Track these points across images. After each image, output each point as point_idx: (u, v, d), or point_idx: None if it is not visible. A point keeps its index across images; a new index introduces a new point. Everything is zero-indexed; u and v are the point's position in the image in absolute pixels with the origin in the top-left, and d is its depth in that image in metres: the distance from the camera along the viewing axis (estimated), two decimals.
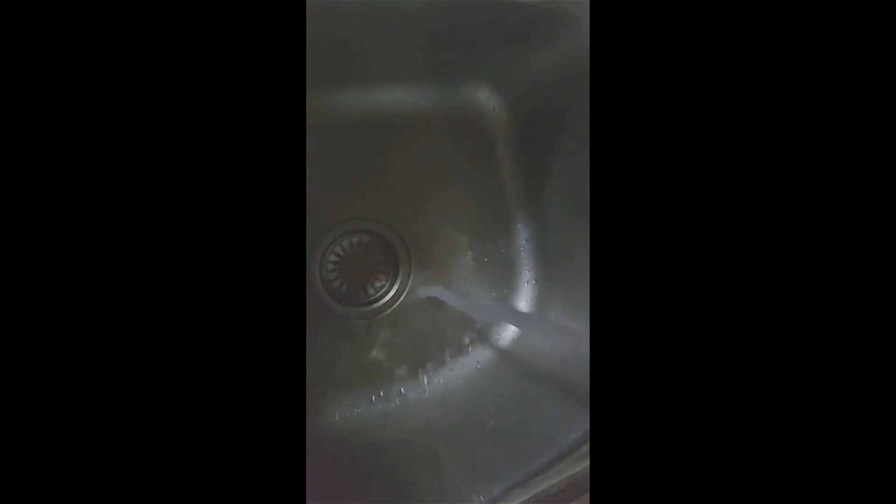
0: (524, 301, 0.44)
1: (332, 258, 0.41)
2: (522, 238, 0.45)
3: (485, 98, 0.43)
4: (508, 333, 0.43)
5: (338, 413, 0.39)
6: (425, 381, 0.41)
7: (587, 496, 0.29)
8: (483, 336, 0.43)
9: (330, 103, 0.41)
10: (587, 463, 0.31)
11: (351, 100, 0.41)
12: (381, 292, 0.42)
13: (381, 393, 0.40)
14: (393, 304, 0.42)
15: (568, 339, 0.35)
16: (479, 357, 0.42)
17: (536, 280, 0.44)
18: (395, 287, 0.42)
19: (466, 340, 0.42)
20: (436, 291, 0.41)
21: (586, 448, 0.31)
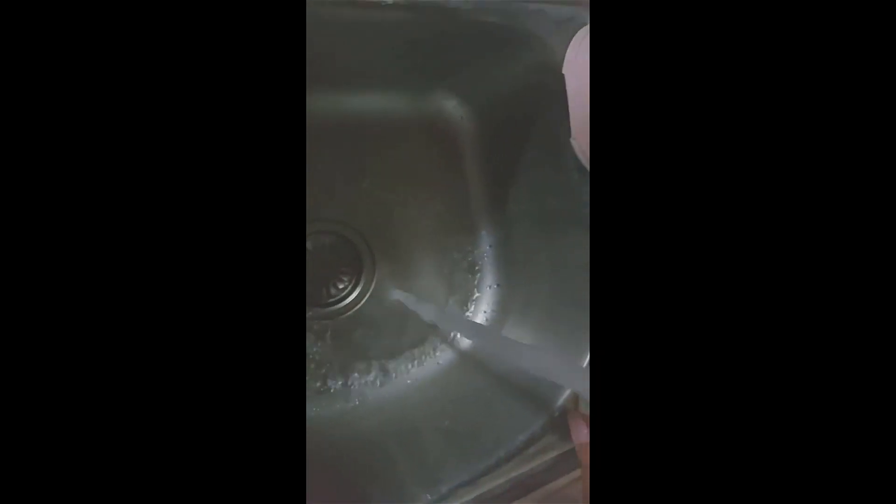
0: (486, 304, 0.45)
1: None
2: (486, 244, 0.46)
3: (453, 107, 0.44)
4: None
5: None
6: (384, 383, 0.41)
7: (532, 496, 0.31)
8: (443, 339, 0.44)
9: None
10: (533, 464, 0.32)
11: (321, 103, 0.42)
12: (343, 293, 0.42)
13: (340, 393, 0.40)
14: (355, 306, 0.42)
15: (523, 354, 0.35)
16: (438, 360, 0.43)
17: (499, 285, 0.46)
18: (358, 289, 0.43)
19: (427, 343, 0.43)
20: (401, 296, 0.42)
21: (533, 450, 0.32)
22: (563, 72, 0.31)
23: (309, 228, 0.42)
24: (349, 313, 0.42)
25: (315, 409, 0.39)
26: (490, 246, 0.46)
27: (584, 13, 0.31)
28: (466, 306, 0.45)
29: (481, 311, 0.45)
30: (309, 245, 0.42)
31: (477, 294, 0.46)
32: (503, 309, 0.45)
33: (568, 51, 0.31)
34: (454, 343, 0.44)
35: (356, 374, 0.41)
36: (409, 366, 0.42)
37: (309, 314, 0.41)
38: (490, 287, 0.46)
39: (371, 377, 0.41)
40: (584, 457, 0.30)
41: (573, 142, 0.32)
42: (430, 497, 0.30)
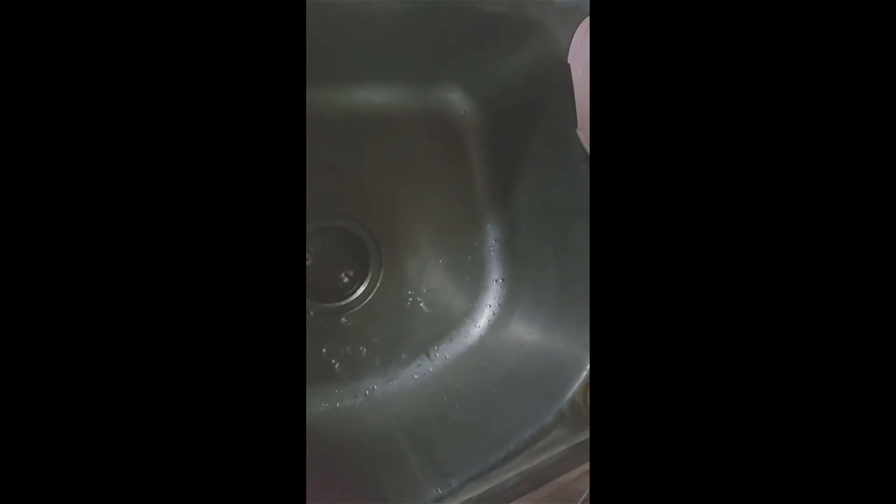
0: (492, 299, 0.45)
1: None
2: (492, 238, 0.46)
3: (456, 100, 0.43)
4: (475, 331, 0.44)
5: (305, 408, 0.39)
6: (392, 378, 0.41)
7: (542, 489, 0.30)
8: (450, 334, 0.44)
9: None
10: (543, 458, 0.32)
11: (323, 97, 0.41)
12: (350, 289, 0.42)
13: (349, 389, 0.40)
14: (362, 302, 0.42)
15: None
16: (446, 354, 0.43)
17: (504, 279, 0.45)
18: (365, 284, 0.43)
19: (434, 338, 0.43)
20: (409, 291, 0.42)
21: (542, 444, 0.32)
22: (569, 61, 0.30)
23: (314, 225, 0.42)
24: (356, 309, 0.42)
25: (324, 405, 0.39)
26: (496, 240, 0.46)
27: (589, 0, 0.31)
28: (472, 301, 0.45)
29: (487, 306, 0.45)
30: (315, 241, 0.42)
31: (483, 288, 0.45)
32: (509, 303, 0.45)
33: (573, 39, 0.30)
34: (462, 335, 0.44)
35: (364, 370, 0.41)
36: (417, 361, 0.42)
37: (316, 310, 0.41)
38: (496, 281, 0.45)
39: (379, 372, 0.41)
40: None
41: (579, 133, 0.32)
42: (440, 491, 0.30)
